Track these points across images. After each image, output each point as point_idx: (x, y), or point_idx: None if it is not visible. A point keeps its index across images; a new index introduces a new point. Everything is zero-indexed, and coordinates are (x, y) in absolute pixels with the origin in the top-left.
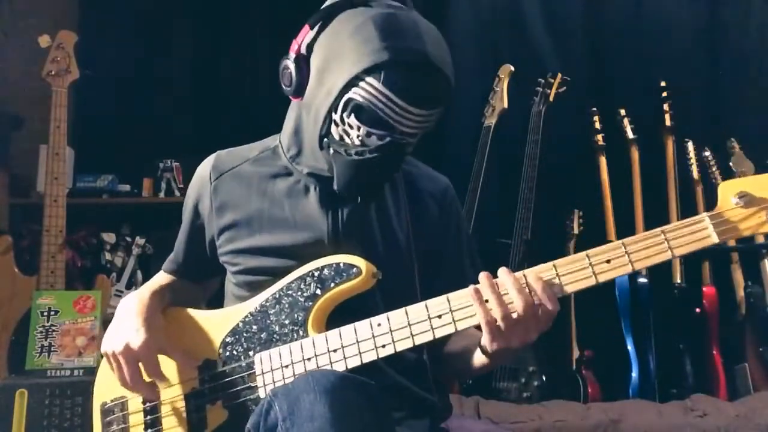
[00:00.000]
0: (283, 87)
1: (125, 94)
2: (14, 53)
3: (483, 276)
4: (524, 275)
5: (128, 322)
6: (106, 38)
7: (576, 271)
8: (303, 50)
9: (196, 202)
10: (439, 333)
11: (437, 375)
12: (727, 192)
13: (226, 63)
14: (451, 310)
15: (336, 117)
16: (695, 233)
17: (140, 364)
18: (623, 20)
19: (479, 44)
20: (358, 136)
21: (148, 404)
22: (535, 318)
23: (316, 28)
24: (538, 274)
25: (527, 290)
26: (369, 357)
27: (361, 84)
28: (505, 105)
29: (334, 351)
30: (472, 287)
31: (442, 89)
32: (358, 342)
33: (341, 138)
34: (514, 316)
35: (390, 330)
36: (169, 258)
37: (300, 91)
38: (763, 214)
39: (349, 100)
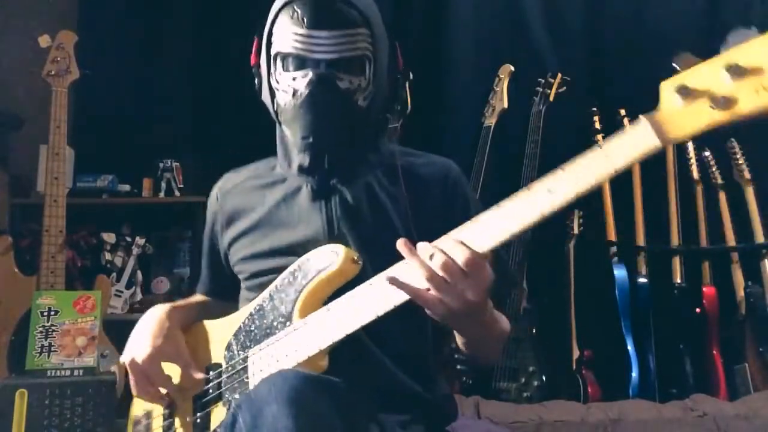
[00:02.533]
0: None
1: (125, 94)
2: (14, 53)
3: (400, 242)
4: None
5: (140, 336)
6: (106, 38)
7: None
8: (256, 59)
9: (212, 224)
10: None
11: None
12: (667, 91)
13: (226, 63)
14: None
15: (273, 83)
16: (635, 139)
17: (147, 377)
18: (623, 20)
19: (479, 44)
20: (289, 86)
21: (166, 410)
22: (460, 273)
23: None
24: (448, 235)
25: (436, 252)
26: (349, 328)
27: (274, 36)
28: (505, 105)
29: (316, 328)
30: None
31: (343, 12)
32: (337, 316)
33: (283, 101)
34: (439, 273)
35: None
36: (200, 280)
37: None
38: (704, 103)
39: (274, 56)
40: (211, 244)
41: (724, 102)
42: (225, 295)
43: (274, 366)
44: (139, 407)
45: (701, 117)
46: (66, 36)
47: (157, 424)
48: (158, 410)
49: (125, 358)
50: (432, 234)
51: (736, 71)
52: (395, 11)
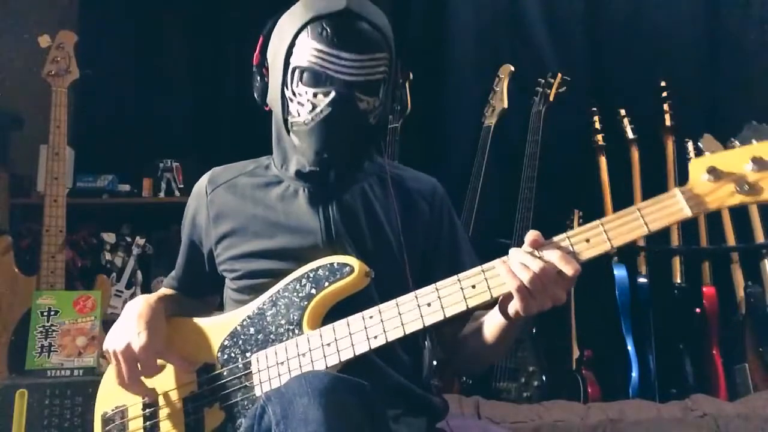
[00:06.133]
0: (258, 102)
1: (125, 94)
2: (14, 53)
3: (511, 250)
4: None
5: (132, 323)
6: (106, 38)
7: None
8: (259, 59)
9: (194, 217)
10: (428, 320)
11: (457, 366)
12: (697, 168)
13: (226, 63)
14: (439, 297)
15: (288, 93)
16: (668, 207)
17: (138, 365)
18: (623, 20)
19: (479, 44)
20: (308, 101)
21: (147, 410)
22: (558, 280)
23: (268, 35)
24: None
25: (542, 257)
26: (361, 348)
27: (296, 48)
28: (505, 105)
29: (328, 345)
30: (499, 259)
31: (370, 36)
32: (350, 334)
33: (298, 113)
34: (539, 278)
35: (381, 320)
36: (170, 275)
37: (266, 97)
38: (731, 185)
39: (293, 69)
40: (191, 239)
41: (749, 189)
42: (196, 293)
43: (282, 371)
44: (107, 403)
45: (727, 197)
46: (66, 36)
47: (136, 424)
48: (135, 409)
49: (114, 345)
50: (418, 243)
51: (761, 164)
52: (395, 11)
